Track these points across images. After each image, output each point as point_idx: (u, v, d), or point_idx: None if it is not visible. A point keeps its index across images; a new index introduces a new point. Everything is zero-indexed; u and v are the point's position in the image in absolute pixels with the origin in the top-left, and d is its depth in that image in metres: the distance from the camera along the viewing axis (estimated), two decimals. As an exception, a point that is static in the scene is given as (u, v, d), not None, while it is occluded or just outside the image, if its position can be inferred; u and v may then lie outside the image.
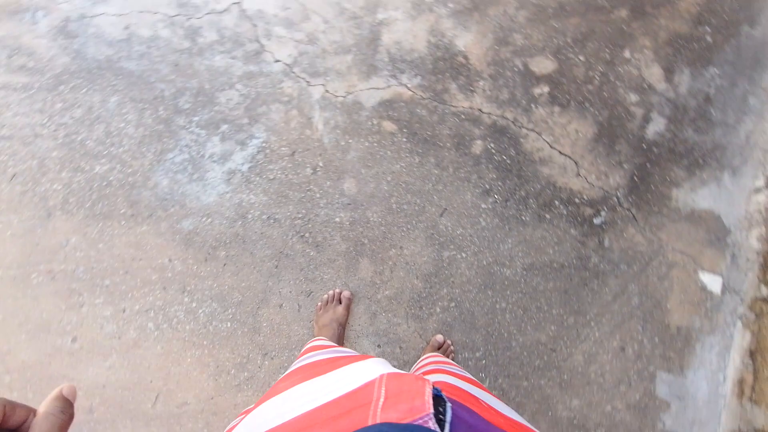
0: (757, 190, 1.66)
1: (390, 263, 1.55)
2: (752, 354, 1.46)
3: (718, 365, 1.53)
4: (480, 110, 1.72)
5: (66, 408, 0.34)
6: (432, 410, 0.33)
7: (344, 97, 1.68)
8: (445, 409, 0.35)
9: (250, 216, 1.53)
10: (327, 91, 1.67)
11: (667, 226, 1.66)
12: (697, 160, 1.73)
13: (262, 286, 1.47)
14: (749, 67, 1.87)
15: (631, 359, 1.53)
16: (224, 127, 1.64)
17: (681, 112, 1.77)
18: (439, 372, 0.68)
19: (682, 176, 1.71)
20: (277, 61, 1.70)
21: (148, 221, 1.54)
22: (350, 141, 1.64)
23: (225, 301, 1.45)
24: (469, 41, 1.79)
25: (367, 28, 1.76)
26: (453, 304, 1.54)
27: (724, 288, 1.60)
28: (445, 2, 1.82)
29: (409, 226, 1.59)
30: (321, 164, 1.61)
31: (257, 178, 1.58)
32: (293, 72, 1.69)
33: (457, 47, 1.78)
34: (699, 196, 1.70)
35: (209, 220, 1.53)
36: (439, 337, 1.48)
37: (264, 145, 1.62)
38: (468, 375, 0.66)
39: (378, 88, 1.70)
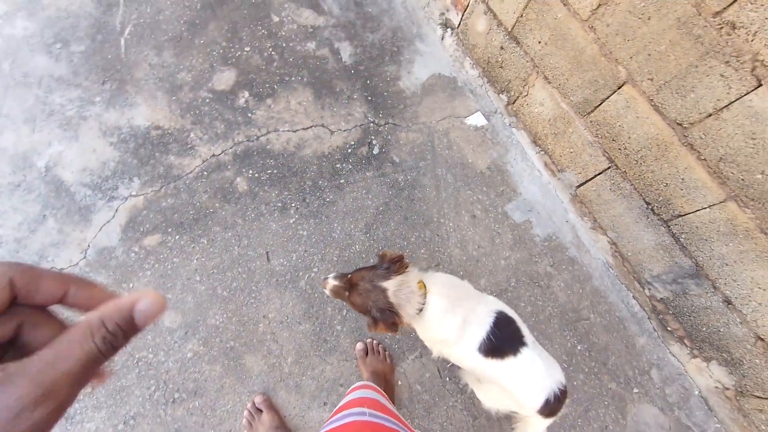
0: (442, 37, 1.91)
1: (268, 337, 1.45)
2: (535, 142, 1.74)
3: (529, 167, 1.81)
4: (213, 155, 1.64)
5: (120, 335, 0.24)
6: None
7: (84, 257, 1.44)
8: None
9: (104, 443, 1.27)
10: (62, 269, 1.41)
11: (419, 111, 1.84)
12: (392, 50, 1.91)
13: (179, 482, 1.27)
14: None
15: (484, 217, 1.72)
16: None
17: (351, 27, 1.92)
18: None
19: (394, 69, 1.88)
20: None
21: None
22: (131, 285, 1.44)
23: None
24: (146, 113, 1.65)
25: (40, 183, 1.50)
26: (345, 311, 1.52)
27: (486, 116, 1.85)
28: (90, 101, 1.63)
29: (253, 295, 1.49)
30: (125, 330, 1.39)
31: (77, 405, 1.31)
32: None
33: (141, 126, 1.63)
34: (416, 72, 1.89)
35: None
36: (359, 345, 1.47)
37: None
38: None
39: (108, 221, 1.49)
